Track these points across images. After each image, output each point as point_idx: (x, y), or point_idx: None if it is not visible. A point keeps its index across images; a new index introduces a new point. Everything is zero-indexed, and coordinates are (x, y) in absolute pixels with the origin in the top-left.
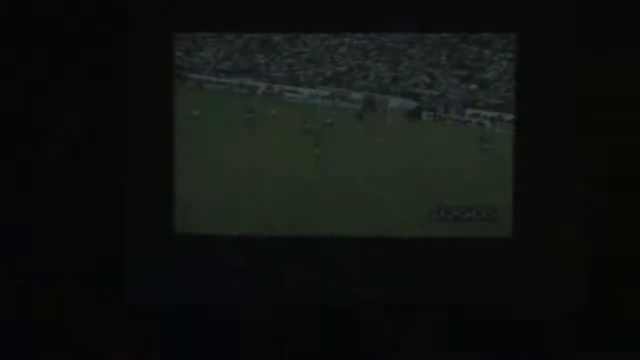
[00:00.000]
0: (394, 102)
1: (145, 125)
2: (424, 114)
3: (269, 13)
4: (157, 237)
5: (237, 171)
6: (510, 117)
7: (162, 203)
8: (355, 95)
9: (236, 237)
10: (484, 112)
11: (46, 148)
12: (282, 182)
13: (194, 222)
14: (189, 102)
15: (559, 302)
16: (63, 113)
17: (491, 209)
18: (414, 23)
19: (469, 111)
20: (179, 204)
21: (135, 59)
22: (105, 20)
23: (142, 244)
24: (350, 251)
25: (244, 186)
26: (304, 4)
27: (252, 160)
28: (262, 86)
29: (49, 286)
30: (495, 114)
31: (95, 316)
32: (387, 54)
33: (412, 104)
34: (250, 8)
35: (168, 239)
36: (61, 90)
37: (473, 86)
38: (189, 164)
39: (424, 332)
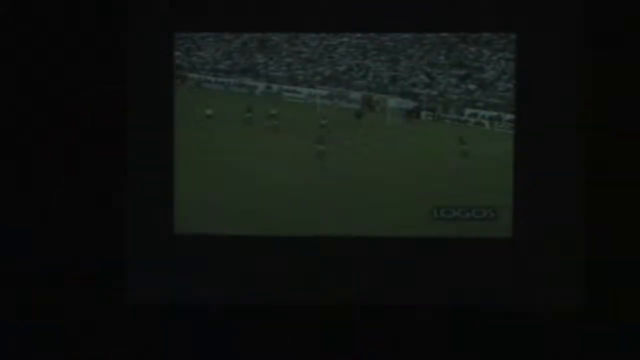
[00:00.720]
0: (393, 102)
1: (145, 125)
2: (423, 114)
3: (268, 13)
4: (157, 237)
5: (237, 170)
6: (509, 116)
7: (162, 203)
8: (354, 95)
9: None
10: (482, 112)
11: (46, 148)
12: (282, 181)
13: (194, 222)
14: (188, 102)
15: (559, 302)
16: (63, 113)
17: (491, 208)
18: (414, 23)
19: (467, 111)
20: (178, 204)
21: (135, 59)
22: (105, 21)
23: (142, 244)
24: (350, 251)
25: (244, 185)
26: (303, 3)
27: (251, 158)
28: (260, 86)
29: (49, 286)
30: (494, 113)
31: (95, 316)
32: (386, 54)
33: (410, 104)
34: (249, 8)
35: (168, 239)
36: (61, 90)
37: (472, 86)
38: (189, 163)
39: (423, 332)
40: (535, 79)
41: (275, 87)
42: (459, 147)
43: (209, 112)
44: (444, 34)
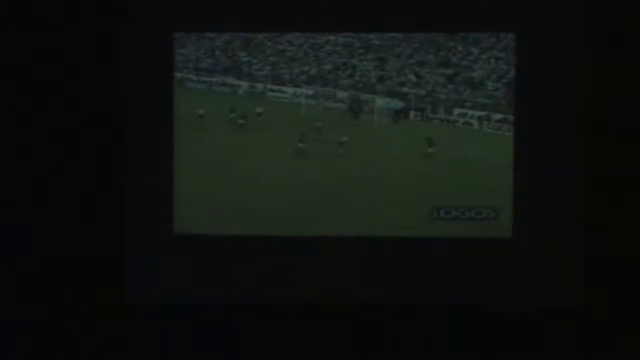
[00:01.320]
0: (381, 102)
1: (145, 125)
2: (412, 114)
3: (267, 12)
4: (157, 237)
5: (237, 170)
6: (498, 116)
7: (162, 203)
8: (341, 95)
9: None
10: (471, 112)
11: (45, 148)
12: (282, 181)
13: (194, 222)
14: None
15: (559, 302)
16: (63, 113)
17: (491, 208)
18: (413, 23)
19: (456, 110)
20: (178, 204)
21: (135, 59)
22: (105, 21)
23: (142, 244)
24: (350, 251)
25: (244, 185)
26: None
27: (236, 160)
28: (244, 85)
29: (48, 286)
30: (483, 113)
31: (95, 316)
32: (373, 53)
33: (399, 104)
34: (249, 8)
35: (168, 239)
36: (61, 90)
37: (461, 86)
38: (189, 163)
39: (423, 332)
40: (535, 79)
41: (259, 86)
42: (426, 149)
43: (200, 111)
44: (432, 33)
